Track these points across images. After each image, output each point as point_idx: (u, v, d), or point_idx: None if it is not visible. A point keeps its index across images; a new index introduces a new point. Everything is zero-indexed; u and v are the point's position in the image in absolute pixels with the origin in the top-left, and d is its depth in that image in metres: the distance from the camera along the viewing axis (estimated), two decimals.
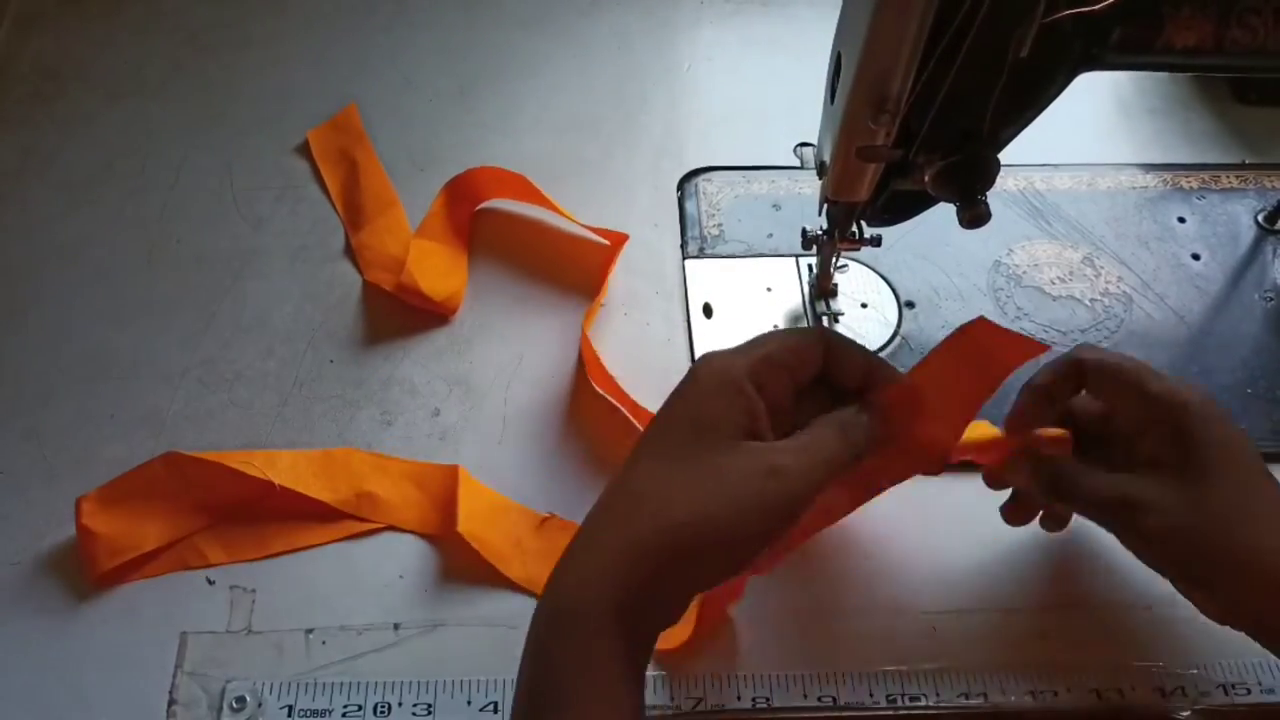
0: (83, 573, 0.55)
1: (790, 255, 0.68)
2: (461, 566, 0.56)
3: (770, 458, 0.43)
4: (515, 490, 0.59)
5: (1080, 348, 0.52)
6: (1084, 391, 0.53)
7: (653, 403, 0.61)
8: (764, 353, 0.45)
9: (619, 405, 0.61)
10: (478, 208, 0.70)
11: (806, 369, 0.47)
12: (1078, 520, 0.57)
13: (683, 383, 0.46)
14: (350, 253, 0.68)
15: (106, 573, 0.54)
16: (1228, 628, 0.49)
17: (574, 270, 0.67)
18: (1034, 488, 0.52)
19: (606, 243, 0.67)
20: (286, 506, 0.57)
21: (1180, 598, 0.54)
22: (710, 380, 0.44)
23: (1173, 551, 0.49)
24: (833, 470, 0.44)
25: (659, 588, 0.41)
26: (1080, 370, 0.52)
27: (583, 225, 0.68)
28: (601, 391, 0.61)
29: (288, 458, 0.58)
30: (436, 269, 0.66)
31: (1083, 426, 0.53)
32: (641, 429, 0.55)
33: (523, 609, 0.55)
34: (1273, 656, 0.53)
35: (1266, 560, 0.46)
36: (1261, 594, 0.47)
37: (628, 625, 0.40)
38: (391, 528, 0.57)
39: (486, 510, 0.57)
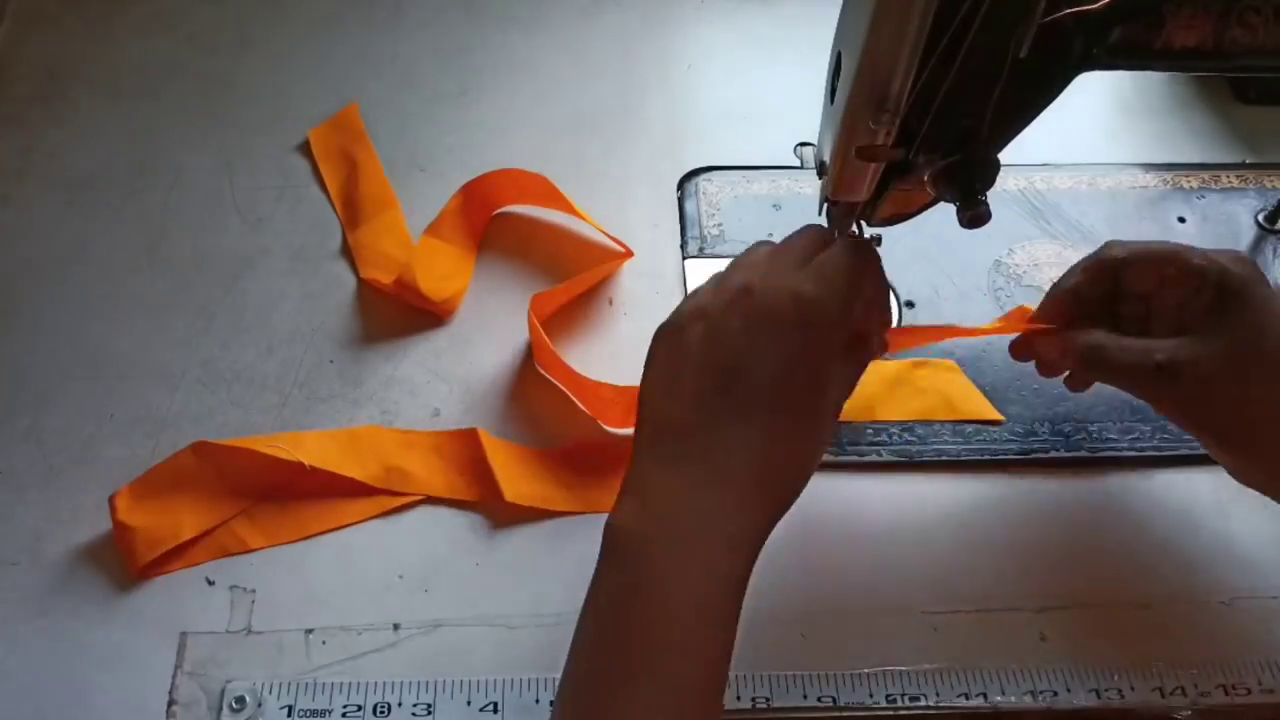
0: (124, 567, 0.55)
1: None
2: (462, 566, 0.56)
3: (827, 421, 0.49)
4: None
5: (1109, 244, 0.53)
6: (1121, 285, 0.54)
7: None
8: (848, 304, 0.48)
9: (564, 387, 0.61)
10: (494, 213, 0.70)
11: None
12: (1077, 520, 0.57)
13: (803, 330, 0.46)
14: (348, 252, 0.68)
15: (147, 565, 0.55)
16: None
17: (581, 274, 0.67)
18: (1069, 360, 0.53)
19: (620, 249, 0.67)
20: (317, 486, 0.57)
21: (1180, 598, 0.54)
22: (819, 346, 0.47)
23: (1212, 410, 0.50)
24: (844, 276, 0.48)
25: (777, 515, 0.47)
26: (1109, 269, 0.53)
27: (599, 229, 0.68)
28: (545, 374, 0.61)
29: (313, 438, 0.59)
30: (439, 269, 0.66)
31: (1123, 314, 0.54)
32: (584, 408, 0.59)
33: (521, 609, 0.55)
34: (1273, 656, 0.53)
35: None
36: None
37: (755, 546, 0.46)
38: (428, 500, 0.58)
39: (520, 464, 0.58)
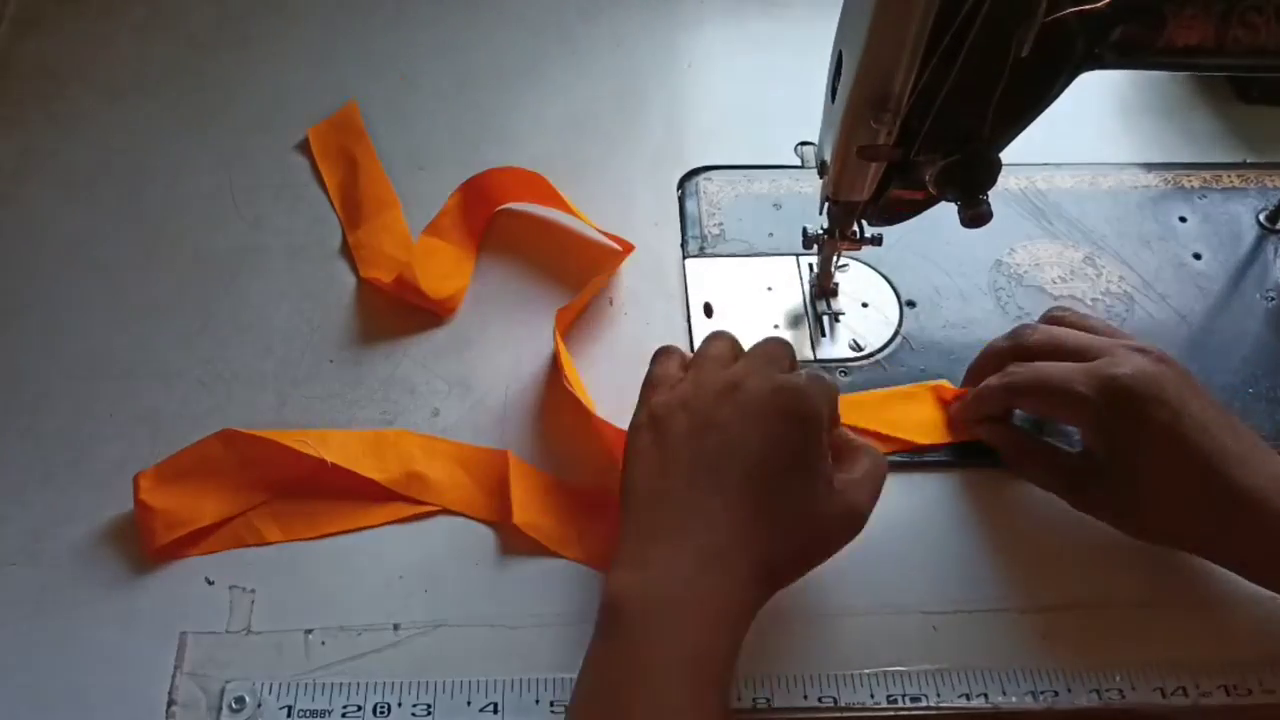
0: (141, 546, 0.55)
1: (791, 254, 0.68)
2: (462, 566, 0.56)
3: (849, 498, 0.50)
4: None
5: (994, 383, 0.57)
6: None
7: None
8: (831, 409, 0.51)
9: (587, 409, 0.60)
10: (494, 210, 0.70)
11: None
12: (1077, 520, 0.57)
13: (795, 423, 0.49)
14: (348, 251, 0.68)
15: (163, 547, 0.55)
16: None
17: (580, 274, 0.66)
18: (995, 447, 0.59)
19: (619, 248, 0.67)
20: (337, 485, 0.57)
21: (1180, 598, 0.54)
22: (810, 442, 0.49)
23: (1113, 522, 0.55)
24: (879, 488, 0.51)
25: (767, 596, 0.49)
26: (1010, 401, 0.58)
27: (596, 228, 0.67)
28: (571, 388, 0.60)
29: (339, 436, 0.59)
30: (439, 268, 0.66)
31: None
32: (611, 449, 0.58)
33: (521, 610, 0.55)
34: (1273, 656, 0.53)
35: (1188, 544, 0.54)
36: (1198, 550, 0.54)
37: (747, 621, 0.47)
38: (444, 511, 0.58)
39: (539, 495, 0.58)
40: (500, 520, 0.57)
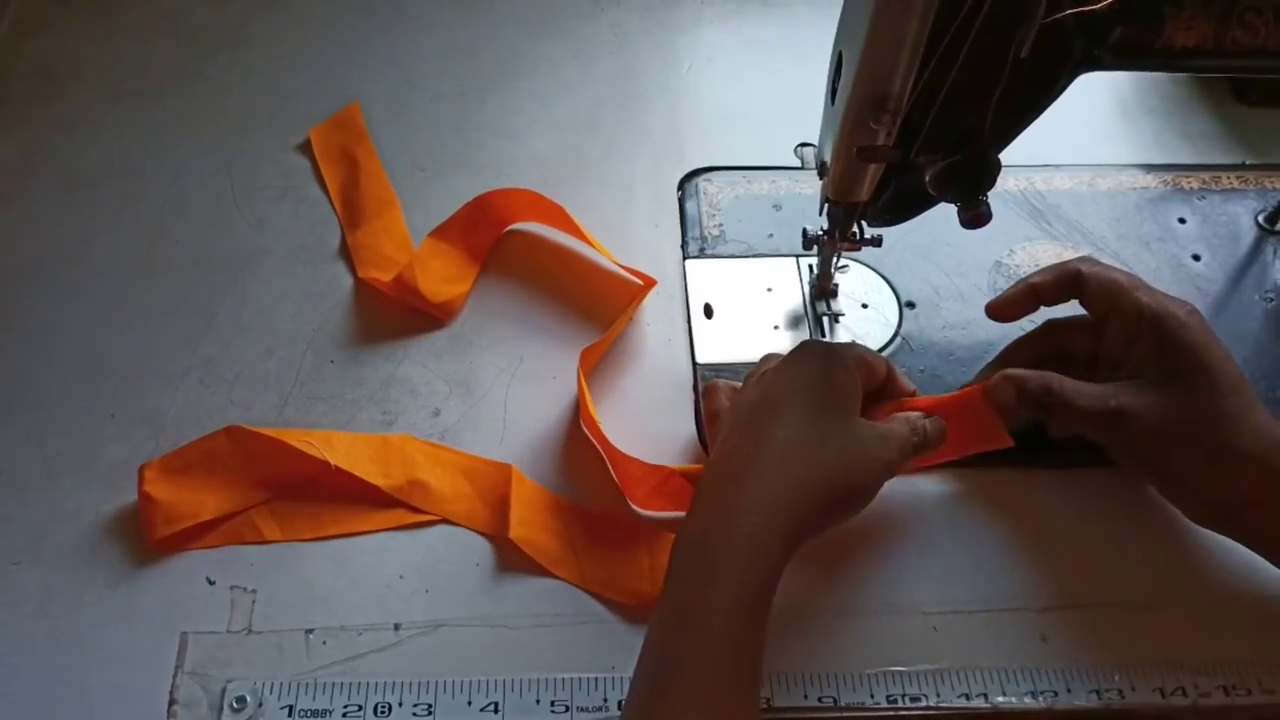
0: (141, 538, 0.56)
1: (791, 255, 0.68)
2: (462, 566, 0.56)
3: (879, 429, 0.53)
4: None
5: (1082, 258, 0.57)
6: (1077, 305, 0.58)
7: (651, 408, 0.61)
8: (858, 354, 0.55)
9: (601, 451, 0.59)
10: (507, 229, 0.69)
11: (874, 379, 0.55)
12: (1077, 521, 0.57)
13: (797, 361, 0.53)
14: (348, 252, 0.68)
15: (163, 539, 0.55)
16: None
17: (589, 296, 0.66)
18: (1024, 404, 0.55)
19: (639, 282, 0.66)
20: (340, 488, 0.58)
21: (1180, 598, 0.54)
22: (829, 361, 0.53)
23: (1157, 456, 0.54)
24: (905, 454, 0.53)
25: (811, 522, 0.50)
26: (1076, 279, 0.57)
27: (617, 263, 0.67)
28: (588, 433, 0.60)
29: (345, 439, 0.59)
30: (441, 272, 0.66)
31: (1072, 347, 0.58)
32: (616, 479, 0.57)
33: (521, 610, 0.55)
34: (1273, 656, 0.53)
35: (1245, 466, 0.51)
36: (1239, 496, 0.52)
37: (790, 548, 0.49)
38: (445, 521, 0.58)
39: (539, 511, 0.58)
40: (498, 534, 0.57)
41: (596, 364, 0.63)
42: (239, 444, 0.58)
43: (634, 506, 0.57)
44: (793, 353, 0.55)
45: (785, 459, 0.50)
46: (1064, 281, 0.57)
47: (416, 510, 0.58)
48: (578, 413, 0.61)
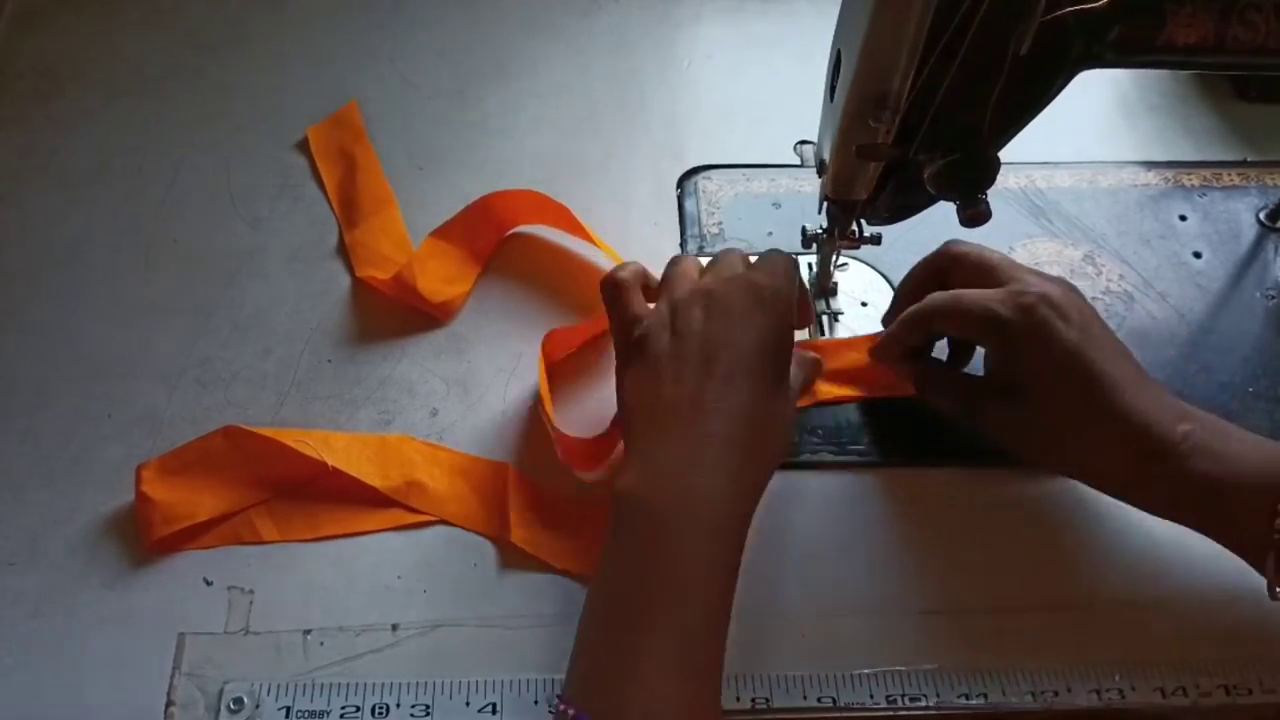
0: (139, 538, 0.56)
1: (790, 253, 0.68)
2: (461, 567, 0.56)
3: (792, 389, 0.54)
4: None
5: (913, 311, 0.58)
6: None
7: None
8: (789, 299, 0.54)
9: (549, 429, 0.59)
10: (510, 231, 0.69)
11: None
12: (1077, 520, 0.57)
13: (750, 314, 0.52)
14: (346, 251, 0.68)
15: (161, 539, 0.55)
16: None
17: (587, 293, 0.65)
18: (915, 340, 0.60)
19: None
20: (338, 488, 0.58)
21: (1180, 598, 0.54)
22: (779, 318, 0.52)
23: (1015, 444, 0.57)
24: (799, 395, 0.57)
25: (758, 494, 0.51)
26: (925, 326, 0.58)
27: (617, 261, 0.66)
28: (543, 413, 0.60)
29: (343, 440, 0.59)
30: (441, 272, 0.66)
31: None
32: (561, 457, 0.58)
33: (519, 610, 0.55)
34: (1273, 656, 0.53)
35: (1088, 452, 0.54)
36: (1092, 473, 0.55)
37: (745, 528, 0.50)
38: (443, 522, 0.57)
39: (539, 511, 0.58)
40: (497, 536, 0.57)
41: (568, 349, 0.64)
42: (236, 444, 0.58)
43: (580, 474, 0.58)
44: (740, 293, 0.52)
45: (744, 443, 0.49)
46: (919, 327, 0.58)
47: (414, 511, 0.58)
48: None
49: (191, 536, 0.56)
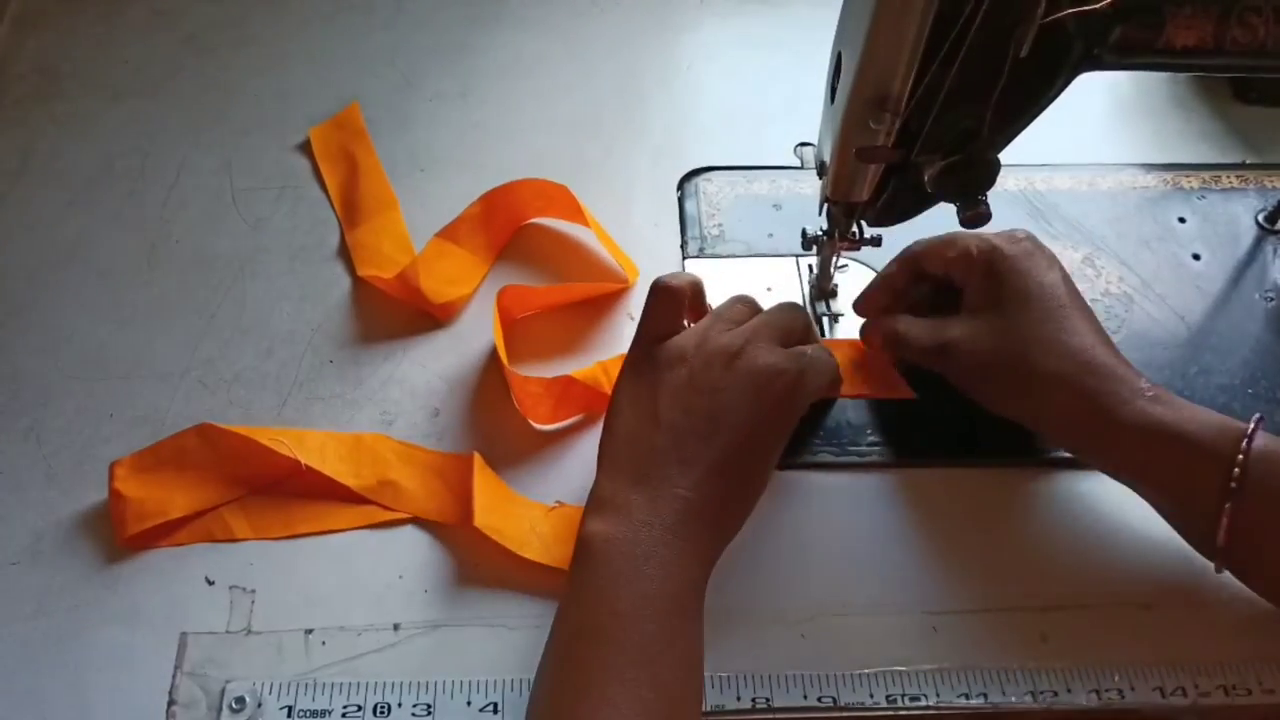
0: (113, 535, 0.56)
1: (790, 255, 0.68)
2: (462, 566, 0.56)
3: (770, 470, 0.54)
4: (516, 490, 0.59)
5: (908, 249, 0.60)
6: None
7: None
8: (810, 397, 0.55)
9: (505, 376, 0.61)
10: (519, 225, 0.69)
11: None
12: (1076, 520, 0.57)
13: (774, 387, 0.52)
14: (348, 252, 0.68)
15: (133, 536, 0.55)
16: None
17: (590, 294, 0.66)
18: (885, 344, 0.61)
19: (621, 276, 0.67)
20: (312, 486, 0.58)
21: (1180, 598, 0.54)
22: (796, 416, 0.54)
23: (981, 385, 0.57)
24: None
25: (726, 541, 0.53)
26: (911, 261, 0.60)
27: (613, 248, 0.67)
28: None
29: (318, 438, 0.59)
30: (446, 272, 0.66)
31: (937, 302, 0.61)
32: (517, 405, 0.60)
33: (520, 610, 0.55)
34: (1272, 656, 0.53)
35: (1055, 389, 0.53)
36: (1055, 420, 0.55)
37: (701, 598, 0.50)
38: (415, 519, 0.58)
39: (501, 499, 0.58)
40: (463, 524, 0.56)
41: (526, 309, 0.65)
42: (210, 442, 0.58)
43: (535, 424, 0.60)
44: (767, 374, 0.52)
45: (714, 518, 0.50)
46: (907, 264, 0.60)
47: (387, 508, 0.58)
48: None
49: (164, 534, 0.56)
